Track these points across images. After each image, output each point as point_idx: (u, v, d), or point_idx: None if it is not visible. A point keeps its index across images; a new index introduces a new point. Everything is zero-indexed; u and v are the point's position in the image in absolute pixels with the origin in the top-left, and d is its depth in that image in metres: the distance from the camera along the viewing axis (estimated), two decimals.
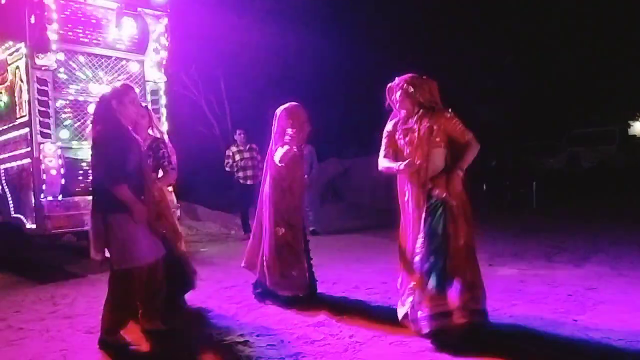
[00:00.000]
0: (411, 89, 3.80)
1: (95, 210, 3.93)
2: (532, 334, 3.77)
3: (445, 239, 3.57)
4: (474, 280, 3.59)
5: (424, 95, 3.80)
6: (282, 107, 4.95)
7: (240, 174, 9.61)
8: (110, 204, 3.79)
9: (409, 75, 3.89)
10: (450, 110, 3.82)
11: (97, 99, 4.29)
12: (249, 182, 9.52)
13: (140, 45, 7.60)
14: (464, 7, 16.87)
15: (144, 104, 5.04)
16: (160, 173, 4.69)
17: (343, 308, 4.54)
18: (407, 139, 3.82)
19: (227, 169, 9.78)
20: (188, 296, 4.88)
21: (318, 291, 4.97)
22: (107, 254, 3.91)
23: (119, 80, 7.05)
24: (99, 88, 6.90)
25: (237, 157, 9.64)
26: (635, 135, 20.55)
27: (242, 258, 5.12)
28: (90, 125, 4.40)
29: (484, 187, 14.05)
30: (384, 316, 4.18)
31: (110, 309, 3.90)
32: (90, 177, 4.70)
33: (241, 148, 9.67)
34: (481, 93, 17.71)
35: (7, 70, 7.16)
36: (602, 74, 18.69)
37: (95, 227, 3.91)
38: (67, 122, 6.92)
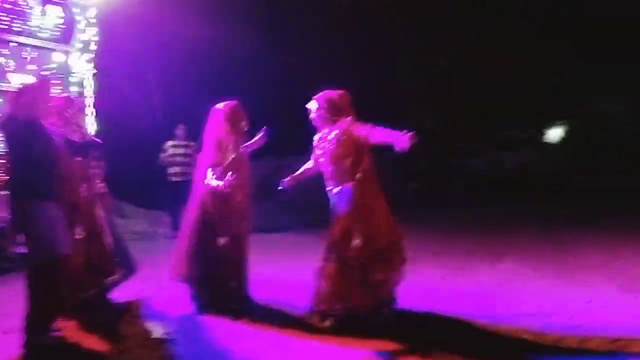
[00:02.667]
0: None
1: (14, 199, 3.69)
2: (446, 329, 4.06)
3: None
4: None
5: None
6: (219, 107, 4.69)
7: (170, 170, 9.44)
8: (31, 191, 3.63)
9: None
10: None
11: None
12: (174, 178, 9.36)
13: (65, 35, 7.33)
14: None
15: (70, 95, 4.88)
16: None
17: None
18: None
19: (160, 162, 9.57)
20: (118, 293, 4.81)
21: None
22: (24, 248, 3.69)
23: (42, 71, 6.82)
24: (22, 78, 6.60)
25: (171, 151, 9.46)
26: (549, 142, 21.86)
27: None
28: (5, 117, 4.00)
29: (415, 185, 14.70)
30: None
31: (36, 305, 3.64)
32: None
33: (176, 143, 9.50)
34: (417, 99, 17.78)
35: None
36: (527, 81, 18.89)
37: (13, 217, 3.68)
38: None
